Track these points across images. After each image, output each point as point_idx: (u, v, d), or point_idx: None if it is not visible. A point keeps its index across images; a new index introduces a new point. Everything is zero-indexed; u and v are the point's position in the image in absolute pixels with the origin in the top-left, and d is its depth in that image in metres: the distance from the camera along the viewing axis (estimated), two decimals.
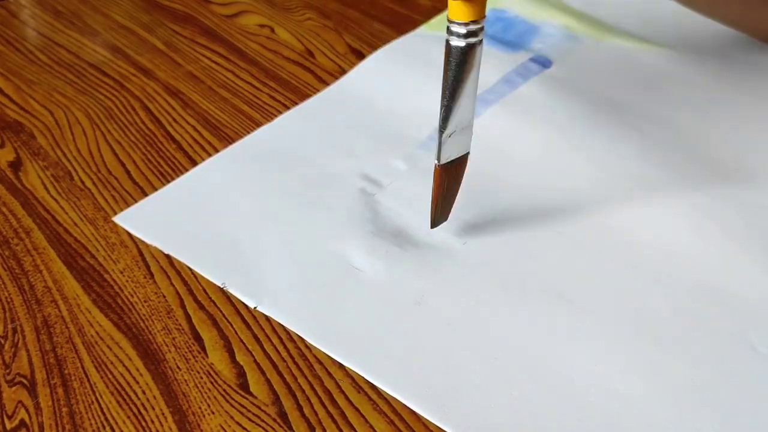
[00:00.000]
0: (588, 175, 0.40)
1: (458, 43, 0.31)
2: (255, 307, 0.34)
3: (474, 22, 0.30)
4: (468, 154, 0.34)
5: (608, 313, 0.33)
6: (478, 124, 0.42)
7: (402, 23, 0.55)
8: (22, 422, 0.29)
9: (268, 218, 0.38)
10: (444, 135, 0.32)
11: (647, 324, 0.33)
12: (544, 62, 0.50)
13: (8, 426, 0.29)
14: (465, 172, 0.35)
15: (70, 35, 0.54)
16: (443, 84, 0.32)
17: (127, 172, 0.42)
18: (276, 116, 0.46)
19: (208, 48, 0.53)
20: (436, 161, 0.33)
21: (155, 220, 0.38)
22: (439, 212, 0.35)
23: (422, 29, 0.54)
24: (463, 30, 0.30)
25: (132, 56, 0.52)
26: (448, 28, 0.31)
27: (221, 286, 0.35)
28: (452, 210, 0.36)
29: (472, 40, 0.30)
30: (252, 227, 0.37)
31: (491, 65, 0.48)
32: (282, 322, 0.33)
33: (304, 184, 0.40)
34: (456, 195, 0.35)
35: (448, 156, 0.33)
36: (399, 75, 0.49)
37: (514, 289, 0.34)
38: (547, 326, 0.33)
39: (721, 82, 0.48)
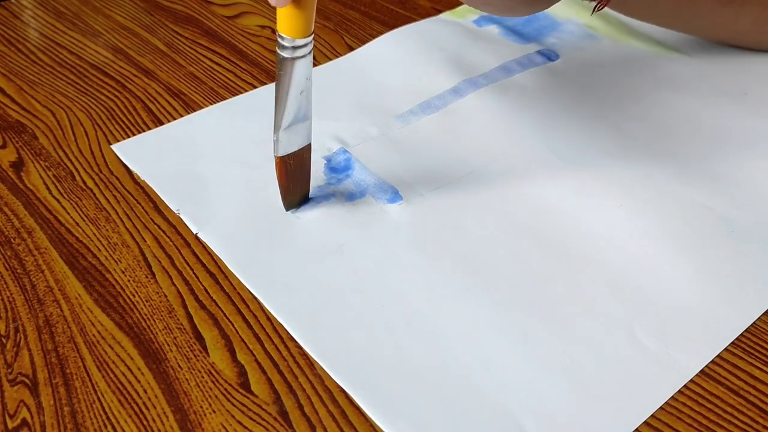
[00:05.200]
0: (543, 161, 0.42)
1: (284, 54, 0.33)
2: (197, 233, 0.37)
3: (297, 39, 0.33)
4: (309, 145, 0.37)
5: (506, 284, 0.35)
6: (458, 103, 0.46)
7: (402, 24, 0.55)
8: (24, 421, 0.30)
9: (236, 161, 0.42)
10: (280, 130, 0.35)
11: (539, 298, 0.34)
12: (549, 55, 0.51)
13: (10, 425, 0.29)
14: (311, 160, 0.38)
15: (72, 36, 0.54)
16: (276, 87, 0.34)
17: (129, 172, 0.42)
18: None
19: (210, 49, 0.53)
20: (274, 154, 0.36)
21: (145, 153, 0.43)
22: (289, 197, 0.38)
23: (446, 15, 0.56)
24: (288, 44, 0.33)
25: (133, 57, 0.52)
26: (278, 42, 0.33)
27: (176, 212, 0.39)
28: (400, 176, 0.40)
29: (296, 53, 0.33)
30: (220, 167, 0.41)
31: (495, 53, 0.51)
32: (214, 250, 0.36)
33: None
34: (308, 179, 0.38)
35: (286, 149, 0.36)
36: (405, 53, 0.51)
37: (427, 251, 0.36)
38: (441, 287, 0.34)
39: (725, 91, 0.48)
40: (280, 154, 0.36)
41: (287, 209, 0.38)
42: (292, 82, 0.34)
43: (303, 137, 0.36)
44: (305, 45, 0.33)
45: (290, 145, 0.36)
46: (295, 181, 0.38)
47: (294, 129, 0.36)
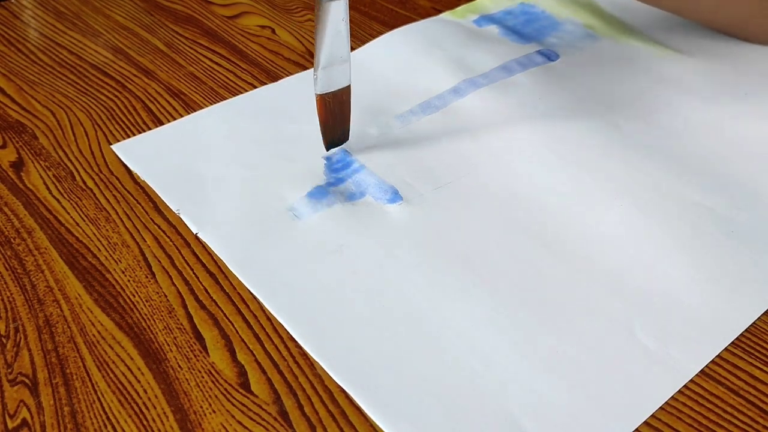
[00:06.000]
0: (543, 161, 0.42)
1: None
2: (197, 233, 0.37)
3: None
4: (349, 86, 0.40)
5: (505, 284, 0.35)
6: (459, 103, 0.46)
7: (402, 24, 0.55)
8: (24, 421, 0.30)
9: (236, 161, 0.42)
10: (319, 68, 0.38)
11: (538, 298, 0.34)
12: (549, 55, 0.51)
13: (10, 425, 0.29)
14: (351, 101, 0.40)
15: (72, 36, 0.54)
16: (315, 30, 0.37)
17: (129, 172, 0.42)
18: None
19: (210, 49, 0.53)
20: (315, 91, 0.39)
21: (145, 153, 0.43)
22: (330, 136, 0.41)
23: (446, 15, 0.56)
24: None
25: (133, 57, 0.52)
26: None
27: (176, 212, 0.39)
28: (400, 176, 0.40)
29: None
30: (220, 167, 0.42)
31: (495, 53, 0.51)
32: (214, 249, 0.37)
33: (280, 136, 0.44)
34: (348, 119, 0.41)
35: (324, 88, 0.39)
36: (405, 53, 0.51)
37: (427, 251, 0.36)
38: (441, 287, 0.34)
39: (724, 90, 0.48)
40: (319, 92, 0.39)
41: (327, 149, 0.41)
42: (328, 22, 0.37)
43: (342, 78, 0.39)
44: None
45: (329, 84, 0.39)
46: (333, 120, 0.40)
47: (332, 69, 0.38)
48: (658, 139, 0.43)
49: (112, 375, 0.31)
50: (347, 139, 0.42)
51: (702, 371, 0.31)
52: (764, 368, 0.31)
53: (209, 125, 0.45)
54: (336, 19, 0.37)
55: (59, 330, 0.33)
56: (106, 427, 0.29)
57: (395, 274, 0.35)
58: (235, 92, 0.48)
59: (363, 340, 0.32)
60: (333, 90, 0.39)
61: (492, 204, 0.39)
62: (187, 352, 0.32)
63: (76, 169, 0.42)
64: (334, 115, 0.40)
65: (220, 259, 0.36)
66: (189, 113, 0.46)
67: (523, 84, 0.48)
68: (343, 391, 0.30)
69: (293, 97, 0.47)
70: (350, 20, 0.56)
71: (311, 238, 0.37)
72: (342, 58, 0.38)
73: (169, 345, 0.32)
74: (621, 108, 0.46)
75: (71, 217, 0.39)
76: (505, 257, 0.36)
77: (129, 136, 0.44)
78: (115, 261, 0.36)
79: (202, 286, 0.35)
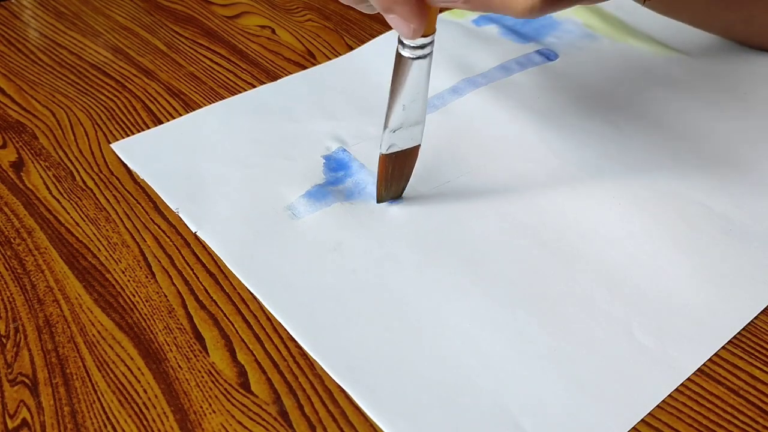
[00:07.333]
0: (542, 160, 0.42)
1: (407, 54, 0.33)
2: (196, 232, 0.37)
3: (423, 37, 0.32)
4: (418, 146, 0.37)
5: (504, 282, 0.35)
6: (456, 103, 0.46)
7: None
8: (24, 421, 0.30)
9: (235, 160, 0.42)
10: (387, 130, 0.35)
11: (537, 297, 0.34)
12: (549, 55, 0.51)
13: (10, 425, 0.29)
14: (417, 159, 0.38)
15: (72, 36, 0.54)
16: (390, 87, 0.34)
17: (129, 172, 0.42)
18: None
19: (210, 49, 0.53)
20: (380, 151, 0.36)
21: (145, 151, 0.43)
22: (385, 192, 0.38)
23: (445, 15, 0.57)
24: (414, 44, 0.32)
25: (133, 57, 0.52)
26: (399, 40, 0.32)
27: (175, 211, 0.38)
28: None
29: (419, 52, 0.32)
30: (219, 166, 0.41)
31: (495, 52, 0.51)
32: (213, 248, 0.37)
33: (279, 136, 0.44)
34: (408, 178, 0.38)
35: (391, 147, 0.36)
36: None
37: (426, 250, 0.36)
38: (440, 286, 0.35)
39: (724, 90, 0.48)
40: (383, 152, 0.36)
41: (378, 201, 0.39)
42: (406, 82, 0.33)
43: (411, 139, 0.36)
44: (424, 45, 0.32)
45: (396, 144, 0.36)
46: (393, 178, 0.38)
47: (402, 131, 0.35)
48: (657, 138, 0.44)
49: (112, 375, 0.31)
50: (401, 195, 0.39)
51: (702, 371, 0.31)
52: (764, 368, 0.31)
53: (209, 124, 0.45)
54: (417, 78, 0.33)
55: (59, 330, 0.33)
56: (106, 427, 0.29)
57: (394, 274, 0.35)
58: (234, 92, 0.48)
59: (362, 339, 0.32)
60: (399, 150, 0.36)
61: (491, 203, 0.39)
62: (187, 352, 0.32)
63: (76, 169, 0.42)
64: (395, 174, 0.38)
65: (220, 259, 0.36)
66: (189, 113, 0.46)
67: (522, 83, 0.48)
68: (343, 391, 0.30)
69: (293, 97, 0.47)
70: (350, 20, 0.56)
71: (310, 237, 0.37)
72: (416, 120, 0.35)
73: (169, 345, 0.32)
74: (620, 108, 0.46)
75: (71, 217, 0.39)
76: (504, 256, 0.36)
77: (129, 136, 0.44)
78: (115, 261, 0.36)
79: (202, 286, 0.35)
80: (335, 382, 0.31)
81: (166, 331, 0.33)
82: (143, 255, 0.37)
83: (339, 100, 0.47)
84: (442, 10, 0.31)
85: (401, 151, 0.36)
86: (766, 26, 0.49)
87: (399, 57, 0.33)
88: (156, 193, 0.40)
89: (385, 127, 0.35)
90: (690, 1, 0.47)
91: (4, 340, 0.33)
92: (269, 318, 0.34)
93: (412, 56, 0.32)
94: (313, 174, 0.40)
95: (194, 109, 0.46)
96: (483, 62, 0.50)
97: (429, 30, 0.32)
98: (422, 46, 0.32)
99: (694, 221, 0.38)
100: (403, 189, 0.39)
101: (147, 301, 0.34)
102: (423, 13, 0.30)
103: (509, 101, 0.46)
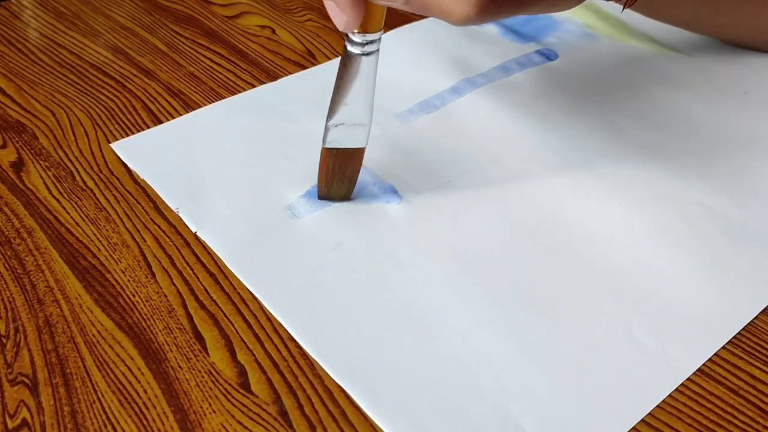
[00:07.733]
0: (542, 160, 0.42)
1: (351, 48, 0.32)
2: (196, 232, 0.37)
3: (368, 34, 0.32)
4: (363, 149, 0.37)
5: (504, 282, 0.35)
6: (456, 103, 0.46)
7: (402, 24, 0.55)
8: (24, 422, 0.30)
9: (236, 160, 0.42)
10: (330, 123, 0.35)
11: (537, 297, 0.34)
12: (549, 55, 0.51)
13: (10, 425, 0.29)
14: (362, 162, 0.38)
15: (72, 36, 0.54)
16: (335, 81, 0.34)
17: (129, 172, 0.42)
18: None
19: (210, 49, 0.53)
20: (322, 144, 0.36)
21: (145, 151, 0.43)
22: (326, 189, 0.38)
23: None
24: (358, 39, 0.32)
25: (133, 57, 0.52)
26: (346, 34, 0.32)
27: (175, 211, 0.39)
28: (399, 175, 0.40)
29: (363, 49, 0.32)
30: (219, 166, 0.41)
31: (495, 52, 0.51)
32: (213, 248, 0.37)
33: (280, 136, 0.44)
34: (353, 181, 0.38)
35: (332, 142, 0.36)
36: (405, 53, 0.51)
37: (426, 250, 0.36)
38: (440, 286, 0.34)
39: (724, 90, 0.48)
40: (325, 146, 0.36)
41: (319, 197, 0.39)
42: (352, 78, 0.33)
43: (355, 140, 0.36)
44: (368, 42, 0.32)
45: (338, 141, 0.36)
46: (334, 177, 0.37)
47: (344, 128, 0.35)
48: (657, 138, 0.44)
49: (112, 375, 0.31)
50: (348, 199, 0.39)
51: (702, 371, 0.31)
52: (764, 368, 0.31)
53: (209, 124, 0.45)
54: (361, 76, 0.33)
55: (59, 330, 0.33)
56: (106, 427, 0.29)
57: (394, 273, 0.35)
58: (234, 92, 0.48)
59: (362, 339, 0.32)
60: (342, 147, 0.36)
61: (491, 203, 0.39)
62: (187, 352, 0.32)
63: (76, 169, 0.42)
64: (336, 173, 0.37)
65: (221, 259, 0.36)
66: (189, 113, 0.46)
67: (522, 83, 0.48)
68: (343, 391, 0.30)
69: (293, 97, 0.47)
70: None
71: (310, 237, 0.37)
72: (360, 121, 0.35)
73: (169, 345, 0.32)
74: (620, 107, 0.46)
75: (71, 217, 0.39)
76: (504, 256, 0.36)
77: (129, 136, 0.44)
78: (115, 261, 0.36)
79: (202, 286, 0.35)
80: (335, 382, 0.31)
81: (166, 331, 0.33)
82: (143, 255, 0.37)
83: None
84: (390, 11, 0.32)
85: (343, 149, 0.36)
86: (756, 27, 0.49)
87: (344, 51, 0.33)
88: (156, 193, 0.40)
89: (327, 119, 0.35)
90: (677, 4, 0.47)
91: (4, 340, 0.33)
92: (269, 318, 0.34)
93: (355, 52, 0.32)
94: (313, 174, 0.40)
95: (194, 109, 0.46)
96: (483, 62, 0.50)
97: (373, 28, 0.32)
98: (366, 43, 0.32)
99: (694, 221, 0.38)
100: (349, 192, 0.39)
101: (147, 301, 0.34)
102: (358, 6, 0.30)
103: (509, 101, 0.46)
